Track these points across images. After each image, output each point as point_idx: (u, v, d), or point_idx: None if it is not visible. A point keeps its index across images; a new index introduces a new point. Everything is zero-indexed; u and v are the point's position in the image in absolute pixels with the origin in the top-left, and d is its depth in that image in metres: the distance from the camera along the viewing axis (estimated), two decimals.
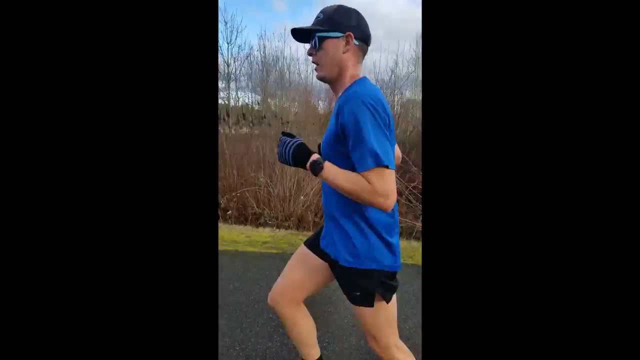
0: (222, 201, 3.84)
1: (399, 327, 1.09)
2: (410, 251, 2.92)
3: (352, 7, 0.97)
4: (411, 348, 1.08)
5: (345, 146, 0.90)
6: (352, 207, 0.95)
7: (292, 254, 1.23)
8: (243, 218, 3.83)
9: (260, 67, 5.37)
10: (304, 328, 1.20)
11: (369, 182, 0.84)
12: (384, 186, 0.83)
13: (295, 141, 0.95)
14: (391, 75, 5.63)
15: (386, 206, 0.84)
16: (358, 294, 0.98)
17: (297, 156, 0.92)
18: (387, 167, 0.83)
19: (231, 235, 3.29)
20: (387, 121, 0.87)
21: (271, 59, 5.27)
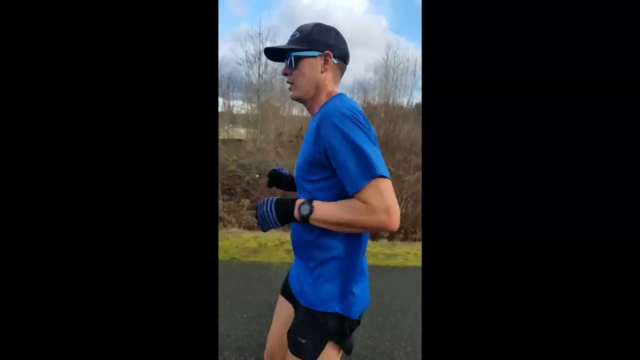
0: None
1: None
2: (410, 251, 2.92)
3: (331, 25, 0.94)
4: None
5: (329, 170, 0.84)
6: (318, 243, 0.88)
7: None
8: None
9: None
10: None
11: (363, 202, 0.72)
12: (382, 201, 0.70)
13: (271, 198, 0.85)
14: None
15: (391, 225, 0.71)
16: (304, 341, 0.86)
17: (281, 211, 0.82)
18: (382, 177, 0.72)
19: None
20: (370, 131, 0.79)
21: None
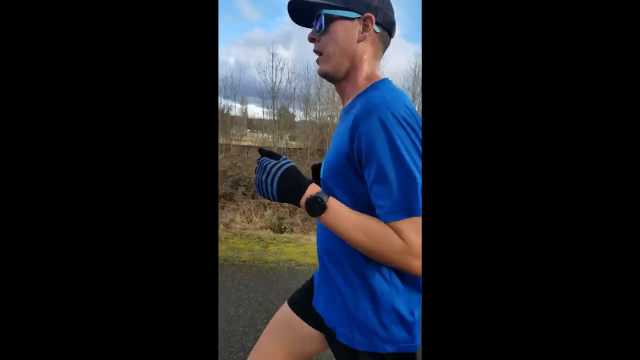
0: None
1: None
2: None
3: None
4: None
5: (359, 175, 0.62)
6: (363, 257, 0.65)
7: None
8: None
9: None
10: None
11: (401, 238, 0.56)
12: (418, 244, 0.55)
13: (283, 164, 0.65)
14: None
15: (419, 270, 0.57)
16: None
17: (286, 187, 0.63)
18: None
19: None
20: (419, 137, 0.60)
21: None
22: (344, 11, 0.67)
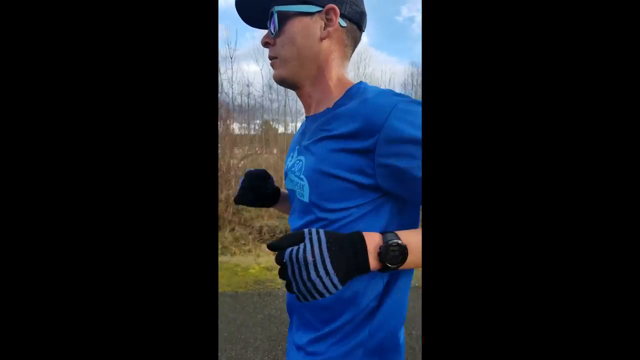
0: None
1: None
2: None
3: None
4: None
5: (377, 191, 0.51)
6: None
7: None
8: None
9: None
10: None
11: None
12: None
13: (313, 235, 0.46)
14: None
15: None
16: None
17: (347, 264, 0.45)
18: None
19: None
20: None
21: None
22: (300, 5, 0.55)
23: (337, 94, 0.58)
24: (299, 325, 0.62)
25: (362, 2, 0.60)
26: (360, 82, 0.58)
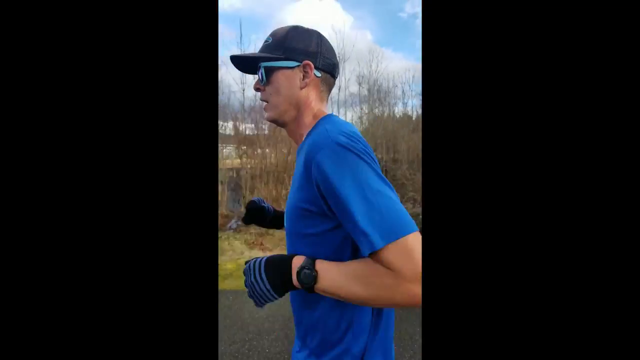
0: None
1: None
2: None
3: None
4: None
5: (332, 221, 0.60)
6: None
7: None
8: None
9: None
10: None
11: (388, 268, 0.50)
12: (412, 266, 0.48)
13: (261, 259, 0.63)
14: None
15: (420, 296, 0.49)
16: None
17: (275, 278, 0.60)
18: (410, 232, 0.50)
19: None
20: (375, 162, 0.58)
21: None
22: (282, 62, 0.69)
23: (310, 128, 0.71)
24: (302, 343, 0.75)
25: (335, 55, 0.74)
26: (327, 116, 0.70)
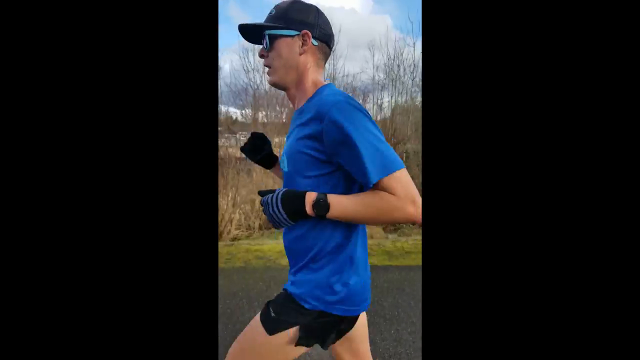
0: None
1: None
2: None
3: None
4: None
5: (331, 166, 0.75)
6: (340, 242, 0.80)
7: None
8: None
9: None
10: None
11: (390, 193, 0.68)
12: (408, 189, 0.67)
13: (278, 192, 0.77)
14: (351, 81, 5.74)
15: (417, 215, 0.66)
16: (273, 315, 0.80)
17: (290, 206, 0.74)
18: (402, 168, 0.69)
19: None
20: (370, 116, 0.73)
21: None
22: (284, 30, 0.78)
23: (310, 94, 0.81)
24: (290, 265, 0.88)
25: (330, 27, 0.83)
26: (327, 84, 0.81)
